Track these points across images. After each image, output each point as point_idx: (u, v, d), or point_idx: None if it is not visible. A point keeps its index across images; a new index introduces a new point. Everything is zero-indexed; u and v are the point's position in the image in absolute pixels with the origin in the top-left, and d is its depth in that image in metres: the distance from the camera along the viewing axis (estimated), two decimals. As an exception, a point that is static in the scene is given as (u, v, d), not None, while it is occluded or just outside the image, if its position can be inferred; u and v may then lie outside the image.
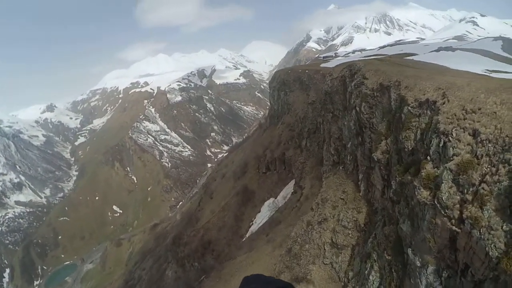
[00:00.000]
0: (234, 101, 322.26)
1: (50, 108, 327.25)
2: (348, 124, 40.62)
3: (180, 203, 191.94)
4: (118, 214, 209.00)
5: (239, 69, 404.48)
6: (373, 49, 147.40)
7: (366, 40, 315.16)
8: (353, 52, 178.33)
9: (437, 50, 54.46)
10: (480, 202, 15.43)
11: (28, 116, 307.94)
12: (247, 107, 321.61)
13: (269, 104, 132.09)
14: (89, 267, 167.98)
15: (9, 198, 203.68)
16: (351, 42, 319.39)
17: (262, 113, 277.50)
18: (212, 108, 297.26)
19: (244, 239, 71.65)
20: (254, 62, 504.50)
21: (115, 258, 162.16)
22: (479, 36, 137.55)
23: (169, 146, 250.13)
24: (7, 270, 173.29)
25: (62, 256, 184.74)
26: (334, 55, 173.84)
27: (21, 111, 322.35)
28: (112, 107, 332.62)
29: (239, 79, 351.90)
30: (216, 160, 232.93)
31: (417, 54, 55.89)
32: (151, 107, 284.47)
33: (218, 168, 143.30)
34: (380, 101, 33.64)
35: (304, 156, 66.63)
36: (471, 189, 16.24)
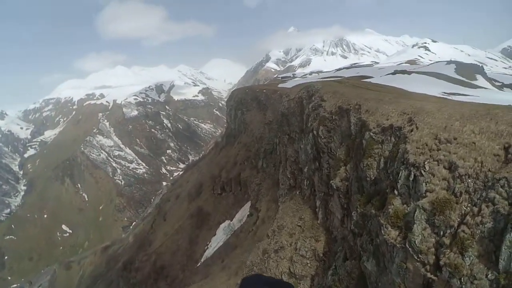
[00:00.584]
0: (192, 118, 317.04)
1: (1, 115, 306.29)
2: (305, 147, 38.48)
3: (134, 223, 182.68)
4: (68, 234, 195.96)
5: (198, 86, 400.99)
6: (330, 71, 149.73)
7: (323, 62, 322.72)
8: (311, 73, 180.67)
9: (393, 73, 54.50)
10: (460, 247, 13.16)
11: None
12: (205, 124, 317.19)
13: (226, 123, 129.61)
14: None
15: None
16: (309, 64, 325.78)
17: (220, 131, 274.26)
18: (169, 125, 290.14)
19: (199, 264, 67.46)
20: (214, 80, 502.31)
21: (65, 282, 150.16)
22: (431, 60, 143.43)
23: (123, 162, 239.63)
24: None
25: (9, 278, 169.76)
26: (292, 75, 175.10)
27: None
28: (65, 119, 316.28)
29: (197, 96, 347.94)
30: (171, 178, 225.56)
31: (373, 77, 55.63)
32: (105, 120, 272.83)
33: (173, 188, 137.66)
34: (339, 125, 31.70)
35: (260, 177, 64.11)
36: (448, 232, 13.97)
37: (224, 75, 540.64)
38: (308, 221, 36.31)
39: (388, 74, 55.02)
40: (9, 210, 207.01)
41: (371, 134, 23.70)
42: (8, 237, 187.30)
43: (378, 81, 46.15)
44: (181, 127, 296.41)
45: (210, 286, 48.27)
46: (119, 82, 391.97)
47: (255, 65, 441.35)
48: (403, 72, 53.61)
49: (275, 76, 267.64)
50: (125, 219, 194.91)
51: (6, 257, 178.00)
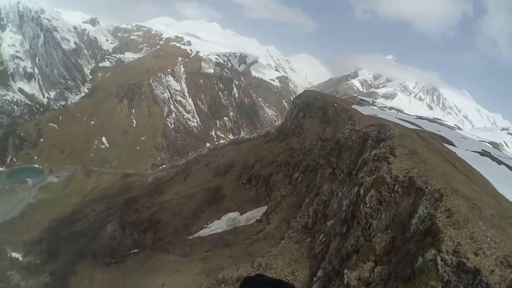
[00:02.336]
0: (260, 99, 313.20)
1: (93, 22, 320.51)
2: (341, 198, 29.48)
3: (163, 166, 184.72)
4: (104, 147, 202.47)
5: (279, 72, 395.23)
6: (411, 115, 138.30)
7: (407, 103, 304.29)
8: (390, 108, 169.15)
9: (481, 153, 45.45)
10: None
11: (70, 19, 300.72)
12: (269, 110, 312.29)
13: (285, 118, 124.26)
14: (53, 180, 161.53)
15: (15, 82, 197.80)
16: (392, 98, 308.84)
17: (279, 122, 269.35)
18: (236, 95, 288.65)
19: (189, 237, 63.93)
20: (296, 73, 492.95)
21: (79, 185, 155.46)
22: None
23: (181, 109, 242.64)
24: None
25: (35, 158, 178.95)
26: (371, 102, 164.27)
27: (66, 12, 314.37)
28: (148, 49, 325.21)
29: (274, 80, 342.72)
30: (216, 143, 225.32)
31: (456, 146, 47.11)
32: (182, 66, 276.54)
33: (208, 154, 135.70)
34: (398, 203, 21.78)
35: (289, 190, 58.15)
36: None
37: (308, 73, 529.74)
38: (299, 283, 29.38)
39: (475, 151, 46.07)
40: (64, 103, 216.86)
41: (438, 259, 14.49)
42: (51, 124, 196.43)
43: (464, 157, 37.26)
44: (246, 102, 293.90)
45: (180, 268, 44.33)
46: (208, 38, 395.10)
47: (340, 77, 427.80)
48: (492, 157, 44.50)
49: (355, 95, 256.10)
50: (159, 158, 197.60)
51: (41, 140, 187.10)
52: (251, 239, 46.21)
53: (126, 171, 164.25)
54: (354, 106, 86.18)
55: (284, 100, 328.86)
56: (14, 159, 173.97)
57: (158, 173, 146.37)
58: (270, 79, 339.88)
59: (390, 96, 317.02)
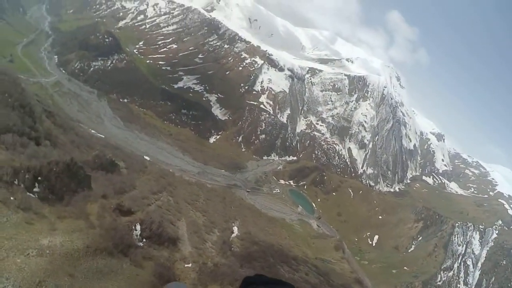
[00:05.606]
0: None
1: (439, 136, 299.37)
2: None
3: None
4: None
5: None
6: None
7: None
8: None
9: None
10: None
11: (420, 123, 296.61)
12: None
13: None
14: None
15: (349, 141, 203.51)
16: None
17: None
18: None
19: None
20: None
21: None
22: None
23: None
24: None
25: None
26: None
27: (420, 115, 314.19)
28: (474, 192, 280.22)
29: None
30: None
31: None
32: (496, 231, 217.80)
33: None
34: None
35: None
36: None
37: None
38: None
39: None
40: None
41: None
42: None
43: None
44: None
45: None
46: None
47: None
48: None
49: None
50: None
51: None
52: None
53: None
54: None
55: None
56: None
57: None
58: None
59: None
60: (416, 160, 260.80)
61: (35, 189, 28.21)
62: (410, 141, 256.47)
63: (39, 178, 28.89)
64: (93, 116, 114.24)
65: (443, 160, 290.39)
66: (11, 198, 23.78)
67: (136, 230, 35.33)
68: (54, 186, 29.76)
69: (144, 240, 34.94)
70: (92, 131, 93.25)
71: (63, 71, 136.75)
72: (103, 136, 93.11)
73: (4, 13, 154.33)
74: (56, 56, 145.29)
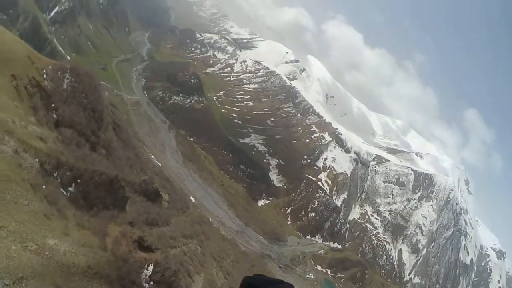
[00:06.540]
0: None
1: (499, 254, 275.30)
2: None
3: None
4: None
5: None
6: None
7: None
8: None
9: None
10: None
11: (484, 235, 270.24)
12: None
13: None
14: None
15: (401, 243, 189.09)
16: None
17: None
18: None
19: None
20: None
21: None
22: None
23: None
24: None
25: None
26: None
27: (484, 228, 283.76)
28: None
29: None
30: None
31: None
32: None
33: None
34: None
35: None
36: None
37: None
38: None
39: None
40: None
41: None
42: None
43: None
44: None
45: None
46: None
47: None
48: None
49: None
50: None
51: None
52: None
53: None
54: None
55: None
56: None
57: None
58: None
59: None
60: (470, 277, 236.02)
61: (69, 188, 28.05)
62: (468, 254, 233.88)
63: (78, 180, 28.76)
64: (158, 143, 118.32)
65: (499, 282, 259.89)
66: (43, 186, 23.46)
67: (147, 270, 33.36)
68: (88, 193, 29.43)
69: (152, 283, 32.70)
70: (152, 156, 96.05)
71: (146, 95, 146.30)
72: (160, 165, 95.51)
73: (112, 28, 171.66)
74: (144, 80, 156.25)
